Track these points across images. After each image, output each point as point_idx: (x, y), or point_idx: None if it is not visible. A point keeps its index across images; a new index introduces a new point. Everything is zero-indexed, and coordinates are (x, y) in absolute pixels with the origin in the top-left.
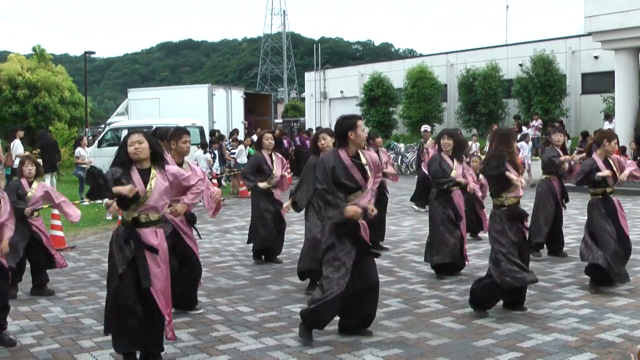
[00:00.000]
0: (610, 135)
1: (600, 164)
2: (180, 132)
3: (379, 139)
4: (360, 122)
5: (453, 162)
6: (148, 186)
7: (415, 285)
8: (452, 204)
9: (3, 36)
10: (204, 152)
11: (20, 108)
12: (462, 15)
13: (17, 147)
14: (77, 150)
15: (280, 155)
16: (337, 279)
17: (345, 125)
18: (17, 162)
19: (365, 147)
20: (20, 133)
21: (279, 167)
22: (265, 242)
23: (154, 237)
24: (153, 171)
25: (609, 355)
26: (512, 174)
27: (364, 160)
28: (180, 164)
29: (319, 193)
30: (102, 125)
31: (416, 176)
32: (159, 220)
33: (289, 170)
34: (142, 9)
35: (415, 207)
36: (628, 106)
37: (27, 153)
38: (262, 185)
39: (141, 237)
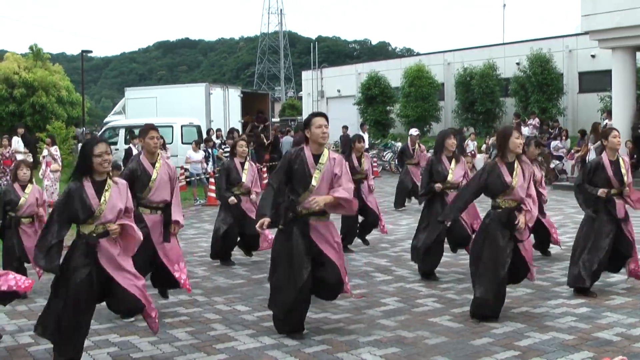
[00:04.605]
0: (605, 132)
1: (606, 162)
2: (146, 129)
3: (360, 144)
4: (316, 120)
5: (451, 163)
6: (102, 198)
7: (413, 284)
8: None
9: (0, 35)
10: (196, 151)
11: (17, 107)
12: (459, 14)
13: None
14: None
15: (254, 166)
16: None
17: (304, 123)
18: (18, 157)
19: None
20: (21, 130)
21: (249, 175)
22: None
23: (113, 244)
24: (109, 181)
25: (606, 353)
26: None
27: (321, 160)
28: (153, 164)
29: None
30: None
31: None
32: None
33: (258, 188)
34: (139, 8)
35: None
36: (625, 105)
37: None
38: (231, 200)
39: (99, 247)
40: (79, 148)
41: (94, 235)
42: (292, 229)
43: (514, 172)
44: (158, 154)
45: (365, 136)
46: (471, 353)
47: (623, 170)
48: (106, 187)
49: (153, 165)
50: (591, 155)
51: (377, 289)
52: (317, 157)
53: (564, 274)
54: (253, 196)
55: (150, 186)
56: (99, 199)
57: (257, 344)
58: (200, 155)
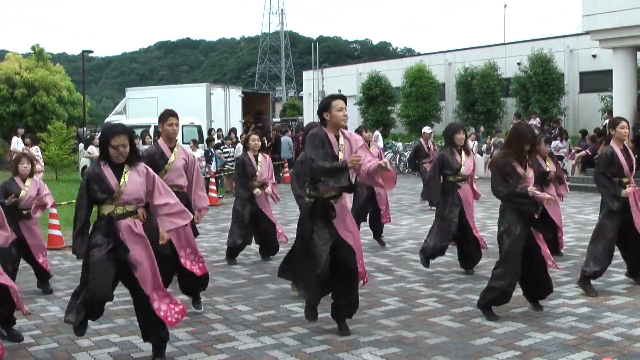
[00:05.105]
0: (613, 122)
1: (617, 150)
2: (166, 115)
3: (367, 133)
4: (336, 102)
5: (461, 156)
6: (121, 180)
7: (414, 284)
8: (457, 198)
9: (1, 35)
10: (194, 150)
11: (18, 107)
12: (459, 14)
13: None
14: (90, 148)
15: (268, 158)
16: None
17: (321, 106)
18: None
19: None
20: (21, 131)
21: (263, 168)
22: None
23: (134, 226)
24: (126, 165)
25: (607, 353)
26: None
27: (340, 141)
28: (172, 148)
29: (316, 166)
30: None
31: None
32: (135, 212)
33: (273, 179)
34: (140, 8)
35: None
36: (626, 105)
37: (25, 150)
38: (256, 191)
39: (120, 228)
40: (81, 148)
41: (113, 216)
42: (314, 212)
43: (526, 165)
44: (176, 140)
45: (376, 133)
46: (472, 353)
47: (633, 157)
48: (125, 170)
49: (171, 149)
50: None
51: (378, 288)
52: (337, 137)
53: (565, 274)
54: (268, 189)
55: (166, 169)
56: (118, 181)
57: (257, 344)
58: (198, 154)
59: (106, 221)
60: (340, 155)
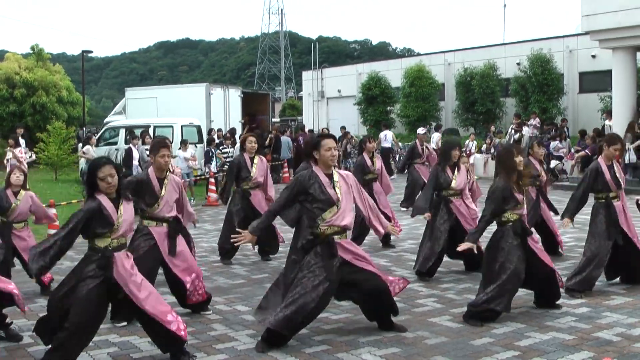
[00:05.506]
0: (610, 140)
1: (604, 167)
2: (157, 146)
3: (371, 144)
4: (325, 142)
5: (454, 172)
6: (119, 212)
7: (413, 284)
8: (449, 212)
9: (1, 35)
10: (185, 150)
11: (17, 107)
12: (459, 14)
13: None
14: (86, 147)
15: (264, 160)
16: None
17: (311, 144)
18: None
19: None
20: (20, 130)
21: (260, 170)
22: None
23: (125, 258)
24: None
25: (606, 353)
26: None
27: (335, 178)
28: (161, 180)
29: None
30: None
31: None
32: (126, 243)
33: (270, 183)
34: (140, 8)
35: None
36: (625, 105)
37: (9, 151)
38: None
39: (115, 262)
40: (80, 147)
41: (110, 248)
42: (313, 250)
43: (523, 190)
44: (167, 172)
45: (390, 134)
46: (471, 353)
47: (619, 174)
48: (120, 202)
49: (161, 182)
50: (630, 156)
51: None
52: (329, 175)
53: (564, 275)
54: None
55: (158, 203)
56: (117, 213)
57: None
58: (188, 153)
59: (102, 254)
60: (337, 192)
